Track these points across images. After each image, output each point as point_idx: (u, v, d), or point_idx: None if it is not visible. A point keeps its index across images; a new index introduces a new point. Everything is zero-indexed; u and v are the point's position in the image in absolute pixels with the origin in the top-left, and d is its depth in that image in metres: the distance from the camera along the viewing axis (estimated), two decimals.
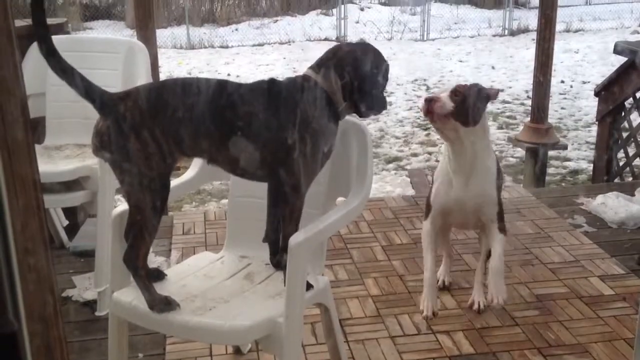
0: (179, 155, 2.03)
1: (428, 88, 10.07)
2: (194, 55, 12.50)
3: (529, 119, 5.59)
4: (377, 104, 2.11)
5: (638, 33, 13.75)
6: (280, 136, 1.99)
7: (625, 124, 4.91)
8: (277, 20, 15.08)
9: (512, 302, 3.00)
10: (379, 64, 2.10)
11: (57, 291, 1.30)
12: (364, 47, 2.13)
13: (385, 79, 2.13)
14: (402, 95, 9.66)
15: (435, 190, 2.78)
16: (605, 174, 4.93)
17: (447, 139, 2.65)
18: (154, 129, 1.93)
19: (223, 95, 1.99)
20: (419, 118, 8.50)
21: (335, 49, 2.12)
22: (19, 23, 3.64)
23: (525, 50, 11.99)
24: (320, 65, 2.07)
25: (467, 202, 2.72)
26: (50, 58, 1.85)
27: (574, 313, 2.93)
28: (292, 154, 1.99)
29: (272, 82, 2.05)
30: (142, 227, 2.00)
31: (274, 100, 2.01)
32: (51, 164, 2.97)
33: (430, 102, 2.49)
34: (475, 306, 2.90)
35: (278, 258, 2.16)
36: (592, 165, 5.39)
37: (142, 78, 3.09)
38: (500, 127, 8.16)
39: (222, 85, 2.02)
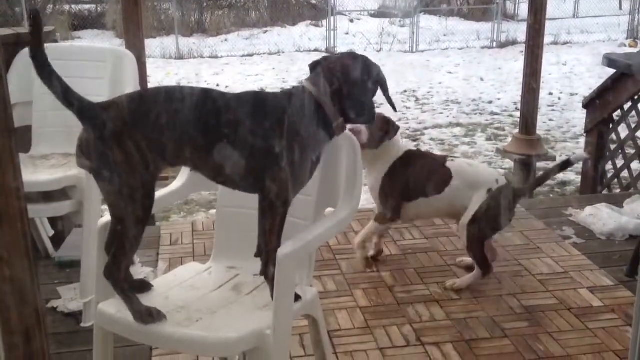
0: (163, 165, 2.00)
1: (417, 99, 10.10)
2: (183, 65, 12.48)
3: (517, 130, 5.61)
4: (366, 112, 2.11)
5: (625, 46, 13.87)
6: (267, 145, 1.97)
7: (613, 136, 4.94)
8: (266, 31, 15.11)
9: (501, 313, 3.00)
10: (368, 71, 2.09)
11: (41, 302, 1.27)
12: (352, 55, 2.13)
13: (378, 85, 2.13)
14: None
15: None
16: (599, 184, 4.94)
17: None
18: (138, 138, 1.90)
19: (209, 104, 1.97)
20: (408, 129, 8.51)
21: (322, 60, 2.13)
22: (6, 31, 3.62)
23: (514, 62, 12.06)
24: (313, 76, 2.08)
25: None
26: (37, 60, 1.84)
27: (563, 325, 2.92)
28: (279, 163, 1.97)
29: (260, 92, 2.05)
30: (124, 239, 1.97)
31: (261, 109, 1.99)
32: (37, 173, 2.94)
33: None
34: None
35: (265, 269, 2.13)
36: (580, 177, 5.41)
37: (130, 87, 3.07)
38: (489, 139, 8.19)
39: (208, 95, 2.00)
